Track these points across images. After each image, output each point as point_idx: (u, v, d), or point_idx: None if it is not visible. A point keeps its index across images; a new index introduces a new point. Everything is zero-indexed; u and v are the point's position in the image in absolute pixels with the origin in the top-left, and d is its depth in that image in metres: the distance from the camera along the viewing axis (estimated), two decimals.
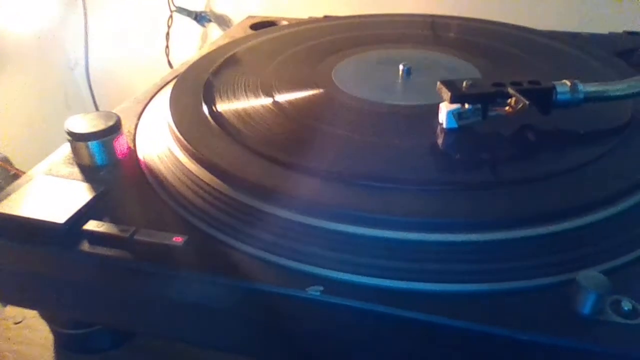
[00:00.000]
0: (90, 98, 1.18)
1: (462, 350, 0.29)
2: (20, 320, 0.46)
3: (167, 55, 1.09)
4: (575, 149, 0.39)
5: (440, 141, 0.40)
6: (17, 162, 0.86)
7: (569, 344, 0.27)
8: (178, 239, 0.33)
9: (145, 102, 0.51)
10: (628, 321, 0.27)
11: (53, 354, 0.43)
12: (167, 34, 1.07)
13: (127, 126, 0.47)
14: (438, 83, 0.40)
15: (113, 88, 1.16)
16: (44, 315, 0.43)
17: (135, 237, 0.33)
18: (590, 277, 0.28)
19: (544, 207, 0.33)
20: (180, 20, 1.05)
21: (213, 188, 0.36)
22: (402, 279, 0.30)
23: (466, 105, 0.40)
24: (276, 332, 0.32)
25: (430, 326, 0.29)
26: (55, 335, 0.44)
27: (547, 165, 0.37)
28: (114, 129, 0.42)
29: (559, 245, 0.32)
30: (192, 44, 1.08)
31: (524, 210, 0.33)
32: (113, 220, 0.35)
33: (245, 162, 0.37)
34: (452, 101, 0.39)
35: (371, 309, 0.29)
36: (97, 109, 1.16)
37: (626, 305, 0.28)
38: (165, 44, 1.08)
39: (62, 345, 0.43)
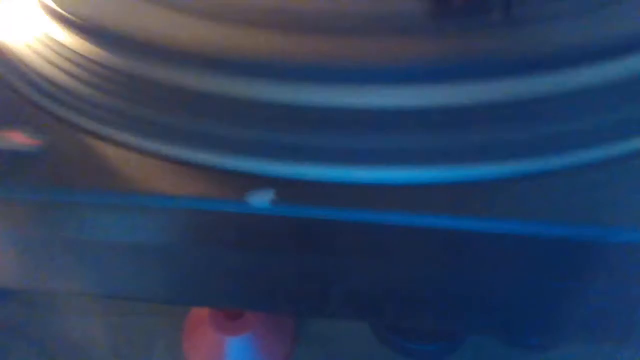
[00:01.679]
0: None
1: (448, 255, 0.21)
2: None
3: None
4: None
5: None
6: None
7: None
8: (33, 142, 0.21)
9: None
10: None
11: None
12: None
13: None
14: None
15: None
16: None
17: None
18: None
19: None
20: None
21: (89, 59, 0.25)
22: (379, 164, 0.20)
23: None
24: (199, 270, 0.22)
25: (420, 228, 0.20)
26: None
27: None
28: None
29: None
30: None
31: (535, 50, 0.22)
32: None
33: (138, 15, 0.25)
34: None
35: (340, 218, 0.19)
36: None
37: None
38: None
39: None
